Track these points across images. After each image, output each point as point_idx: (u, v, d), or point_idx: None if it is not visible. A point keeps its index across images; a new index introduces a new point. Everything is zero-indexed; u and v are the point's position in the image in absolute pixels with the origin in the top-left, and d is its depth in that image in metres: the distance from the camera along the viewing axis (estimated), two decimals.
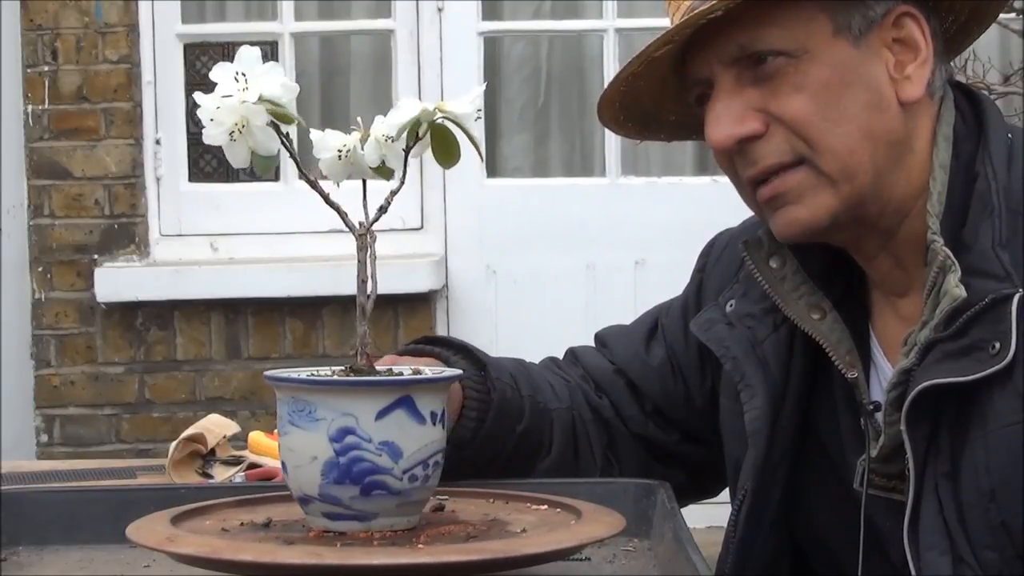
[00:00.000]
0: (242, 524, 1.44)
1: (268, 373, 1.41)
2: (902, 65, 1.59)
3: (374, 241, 1.42)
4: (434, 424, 1.39)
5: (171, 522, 1.39)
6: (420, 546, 1.34)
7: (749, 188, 1.62)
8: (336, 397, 1.36)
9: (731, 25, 1.55)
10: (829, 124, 1.56)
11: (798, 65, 1.56)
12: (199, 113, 1.35)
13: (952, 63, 1.71)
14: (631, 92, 1.65)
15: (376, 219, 1.41)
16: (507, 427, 1.73)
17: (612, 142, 4.55)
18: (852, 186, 1.57)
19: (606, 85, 1.65)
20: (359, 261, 1.41)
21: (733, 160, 1.61)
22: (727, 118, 1.58)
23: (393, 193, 1.41)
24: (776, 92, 1.56)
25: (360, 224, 1.41)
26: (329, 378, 1.39)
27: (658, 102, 1.68)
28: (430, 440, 1.38)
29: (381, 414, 1.36)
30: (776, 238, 1.64)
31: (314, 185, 1.41)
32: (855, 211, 1.58)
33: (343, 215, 1.41)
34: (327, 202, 1.41)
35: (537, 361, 1.90)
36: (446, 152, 1.42)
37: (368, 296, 1.41)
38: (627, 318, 1.94)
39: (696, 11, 1.53)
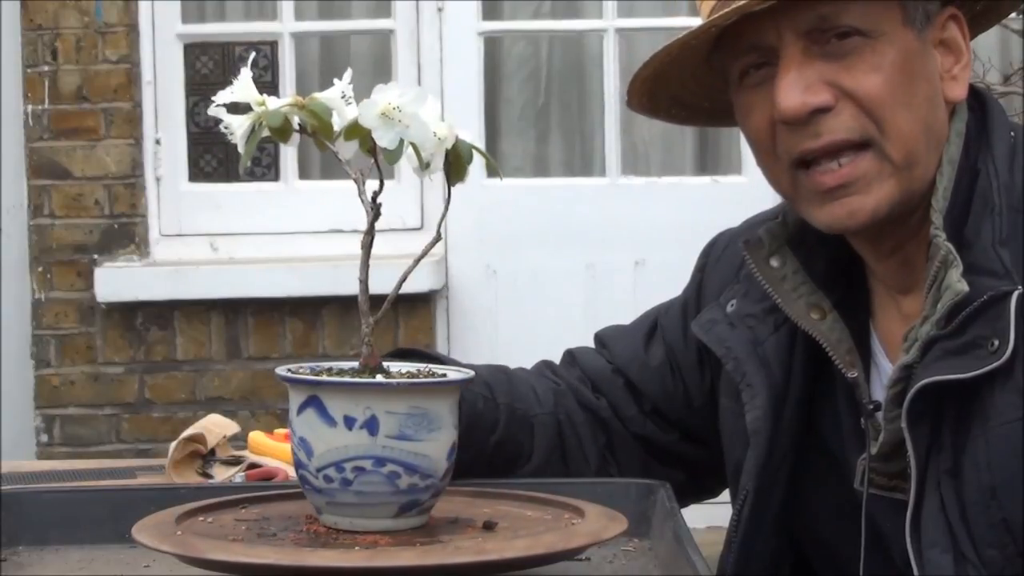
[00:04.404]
0: (264, 518, 1.46)
1: (278, 370, 1.44)
2: (947, 65, 1.60)
3: (438, 240, 1.45)
4: (350, 429, 1.36)
5: (175, 521, 1.40)
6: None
7: (790, 168, 1.59)
8: (289, 390, 1.42)
9: None
10: (900, 107, 1.55)
11: (875, 45, 1.55)
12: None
13: None
14: (662, 75, 1.62)
15: (374, 220, 1.42)
16: (479, 438, 1.72)
17: (612, 142, 4.54)
18: (911, 176, 1.57)
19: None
20: (361, 261, 1.42)
21: (777, 137, 1.58)
22: (800, 87, 1.55)
23: (376, 193, 1.42)
24: (851, 69, 1.55)
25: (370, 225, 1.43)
26: (283, 373, 1.42)
27: (698, 79, 1.66)
28: (343, 444, 1.36)
29: (299, 410, 1.39)
30: (822, 228, 1.61)
31: (357, 182, 1.43)
32: (905, 204, 1.58)
33: (370, 214, 1.43)
34: (362, 200, 1.42)
35: (535, 361, 1.90)
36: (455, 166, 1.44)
37: (389, 294, 1.43)
38: (627, 318, 1.94)
39: None
